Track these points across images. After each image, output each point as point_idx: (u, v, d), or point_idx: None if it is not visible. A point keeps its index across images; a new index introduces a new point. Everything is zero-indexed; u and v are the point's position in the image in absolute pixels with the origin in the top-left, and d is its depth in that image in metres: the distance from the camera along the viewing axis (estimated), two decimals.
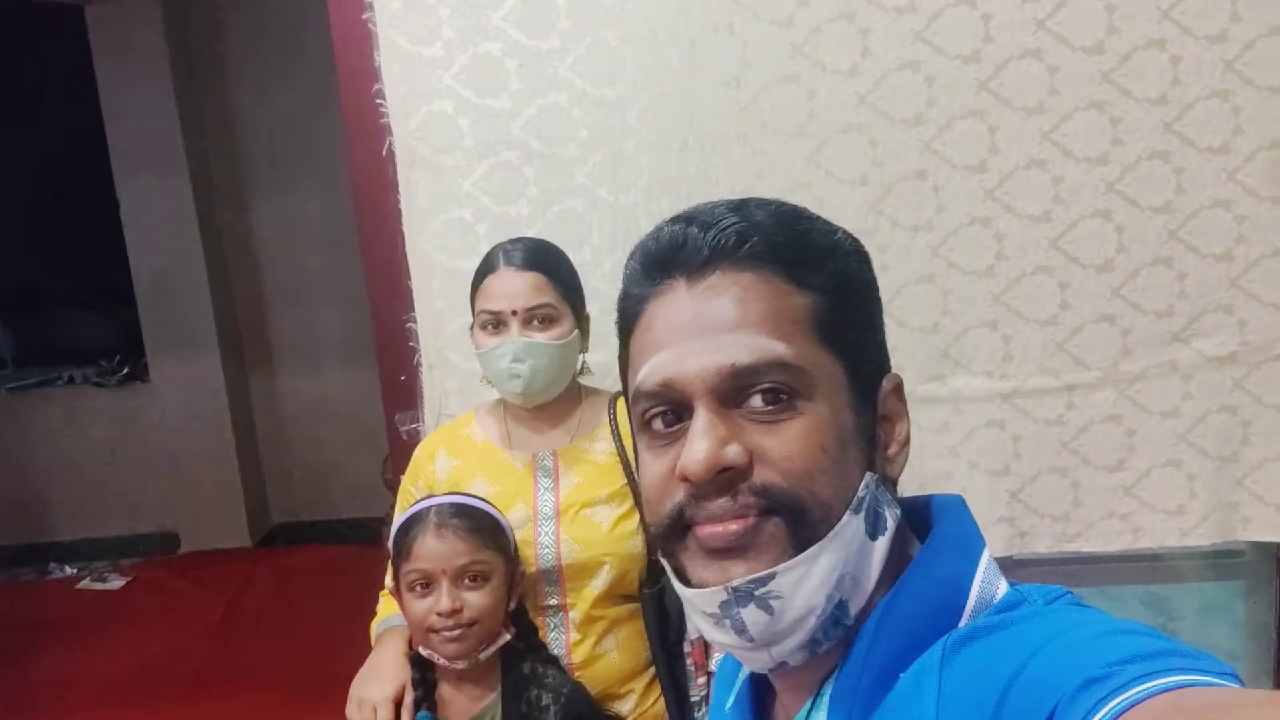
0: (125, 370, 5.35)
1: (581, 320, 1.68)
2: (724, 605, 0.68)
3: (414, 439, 2.04)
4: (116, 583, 5.08)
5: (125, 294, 5.17)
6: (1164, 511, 1.98)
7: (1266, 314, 1.90)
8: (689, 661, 1.66)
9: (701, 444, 0.67)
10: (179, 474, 5.24)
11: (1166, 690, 0.50)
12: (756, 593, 0.67)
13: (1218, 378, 1.92)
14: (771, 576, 0.67)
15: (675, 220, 0.73)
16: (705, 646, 1.67)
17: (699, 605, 0.70)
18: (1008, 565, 2.04)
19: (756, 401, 0.68)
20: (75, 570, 5.28)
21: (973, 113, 1.86)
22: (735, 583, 0.67)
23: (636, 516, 1.62)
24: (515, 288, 1.60)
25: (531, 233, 1.93)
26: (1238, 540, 2.01)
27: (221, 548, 5.25)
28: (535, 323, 1.60)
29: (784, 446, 0.68)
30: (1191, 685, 0.51)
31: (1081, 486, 1.98)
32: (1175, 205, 1.87)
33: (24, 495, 5.40)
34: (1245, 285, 1.89)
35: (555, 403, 1.67)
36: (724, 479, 0.68)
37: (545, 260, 1.64)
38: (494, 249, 1.65)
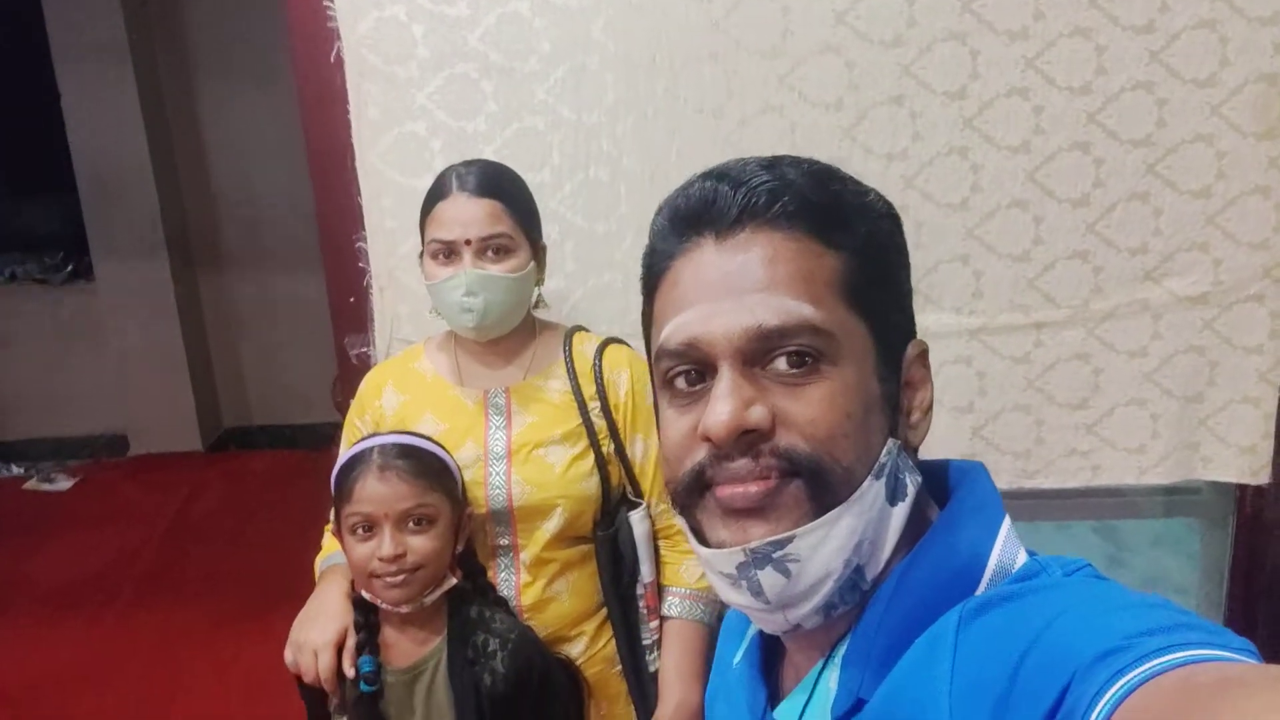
0: (69, 268, 5.19)
1: (538, 251, 1.60)
2: (741, 567, 0.68)
3: (364, 363, 1.97)
4: (64, 484, 5.00)
5: (70, 184, 4.97)
6: (1125, 450, 1.96)
7: (1242, 253, 1.86)
8: (641, 605, 1.63)
9: (725, 405, 0.66)
10: (127, 376, 5.13)
11: (1183, 664, 0.49)
12: (774, 555, 0.67)
13: (1188, 317, 1.89)
14: (790, 539, 0.67)
15: (706, 176, 0.72)
16: (658, 590, 1.64)
17: (716, 565, 0.70)
18: None
19: (782, 364, 0.67)
20: (22, 470, 5.20)
21: (954, 36, 1.77)
22: (753, 544, 0.67)
23: (591, 458, 1.57)
24: (469, 215, 1.51)
25: (489, 151, 1.84)
26: (1196, 479, 2.00)
27: (172, 451, 5.18)
28: (489, 253, 1.52)
29: (808, 410, 0.67)
30: (1209, 660, 0.50)
31: (1045, 424, 1.96)
32: (1156, 139, 1.81)
33: None
34: (1222, 223, 1.85)
35: (509, 337, 1.60)
36: (746, 440, 0.67)
37: (501, 186, 1.55)
38: (446, 172, 1.56)
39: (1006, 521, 0.71)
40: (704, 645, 1.59)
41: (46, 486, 5.00)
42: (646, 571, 1.61)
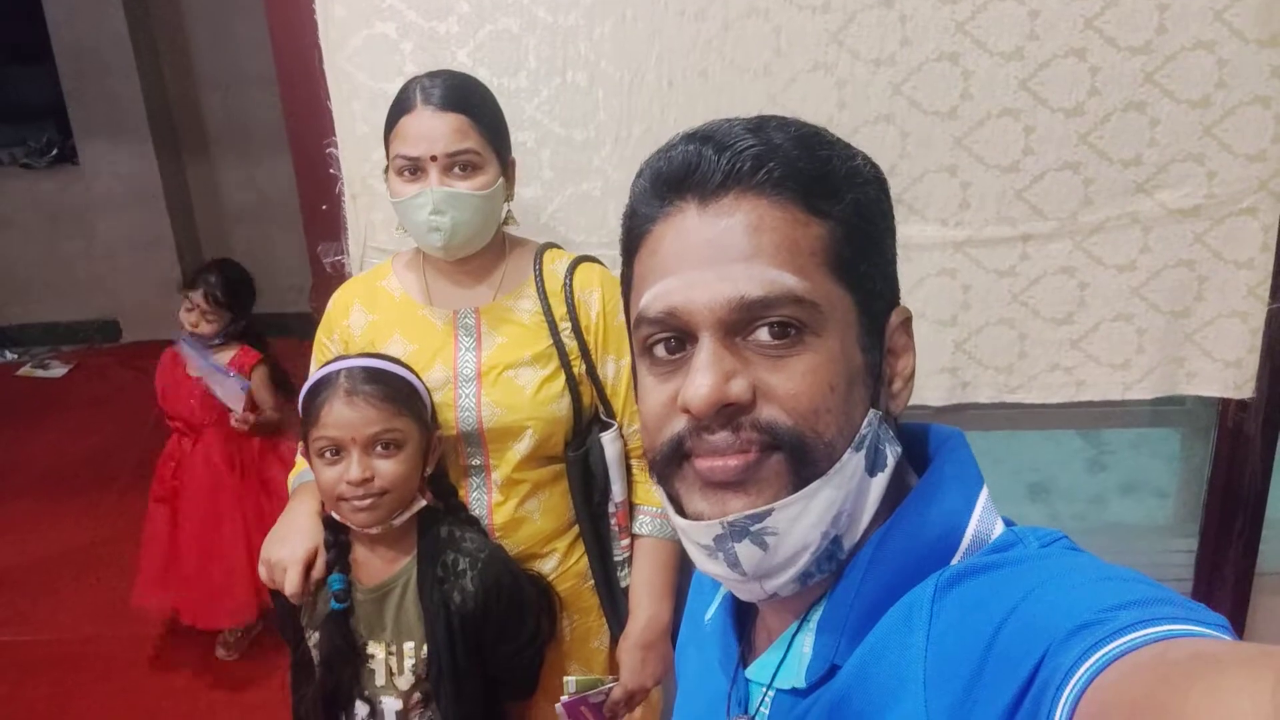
0: (54, 151, 5.09)
1: (507, 167, 1.55)
2: (718, 539, 0.67)
3: (339, 271, 1.94)
4: (58, 370, 5.02)
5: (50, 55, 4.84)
6: (1109, 365, 1.95)
7: (1238, 165, 1.80)
8: (613, 523, 1.63)
9: (705, 377, 0.65)
10: (117, 262, 5.10)
11: (1158, 640, 0.49)
12: (752, 528, 0.66)
13: (1178, 230, 1.85)
14: (769, 513, 0.66)
15: (689, 138, 0.69)
16: (629, 508, 1.64)
17: (692, 536, 0.70)
18: (946, 411, 2.02)
19: (764, 334, 0.66)
20: (16, 356, 5.21)
21: None
22: (731, 517, 0.66)
23: (562, 379, 1.56)
24: (435, 130, 1.46)
25: (462, 54, 1.77)
26: (1181, 394, 1.99)
27: (164, 338, 5.15)
28: (456, 170, 1.47)
29: (790, 383, 0.66)
30: (1183, 635, 0.50)
31: (1028, 338, 1.94)
32: (1155, 46, 1.73)
33: None
34: (1219, 134, 1.79)
35: (478, 256, 1.56)
36: (726, 413, 0.66)
37: (469, 99, 1.49)
38: (410, 84, 1.50)
39: (984, 491, 0.70)
40: (674, 562, 1.61)
41: (41, 372, 5.02)
42: (618, 491, 1.61)
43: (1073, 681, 0.49)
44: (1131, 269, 1.87)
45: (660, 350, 0.69)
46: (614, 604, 1.65)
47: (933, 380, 1.97)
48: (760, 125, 0.69)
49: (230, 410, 2.86)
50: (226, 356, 2.92)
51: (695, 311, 0.66)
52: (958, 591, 0.62)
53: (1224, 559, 2.12)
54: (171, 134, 5.01)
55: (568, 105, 1.80)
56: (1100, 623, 0.52)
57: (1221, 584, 2.13)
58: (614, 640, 1.66)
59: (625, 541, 1.64)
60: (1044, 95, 1.77)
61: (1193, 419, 2.19)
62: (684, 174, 0.67)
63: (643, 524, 1.63)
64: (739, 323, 0.66)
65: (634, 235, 0.72)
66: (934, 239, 1.88)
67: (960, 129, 1.80)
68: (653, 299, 0.68)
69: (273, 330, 5.27)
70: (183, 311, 2.88)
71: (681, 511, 0.70)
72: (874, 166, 0.73)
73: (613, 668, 1.67)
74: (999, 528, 0.69)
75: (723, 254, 0.66)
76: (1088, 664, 0.50)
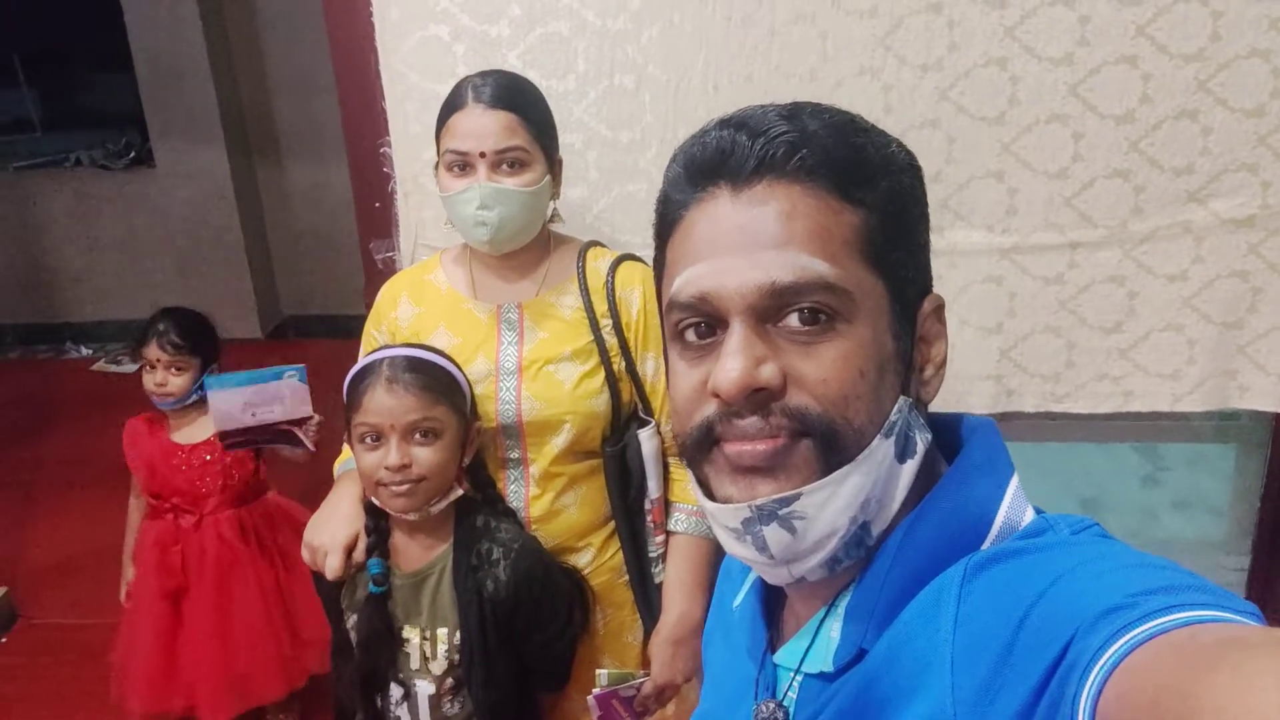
0: (131, 154, 5.26)
1: (554, 165, 1.58)
2: (746, 522, 0.68)
3: (389, 267, 1.99)
4: (130, 366, 5.17)
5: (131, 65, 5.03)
6: (1159, 375, 1.92)
7: None
8: (648, 519, 1.65)
9: (735, 362, 0.65)
10: (188, 262, 5.25)
11: (1187, 624, 0.49)
12: (780, 512, 0.67)
13: (1231, 241, 1.82)
14: (797, 497, 0.66)
15: (723, 124, 0.69)
16: (665, 505, 1.66)
17: (721, 520, 0.70)
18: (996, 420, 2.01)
19: (794, 320, 0.66)
20: (90, 351, 5.38)
21: None
22: (759, 501, 0.67)
23: (601, 375, 1.58)
24: (484, 127, 1.49)
25: (512, 57, 1.81)
26: (1231, 408, 1.95)
27: (232, 338, 5.28)
28: (504, 166, 1.51)
29: (821, 369, 0.66)
30: (1212, 621, 0.50)
31: (1076, 347, 1.92)
32: (1209, 53, 1.71)
33: (40, 276, 5.44)
34: (1274, 143, 1.76)
35: (523, 251, 1.60)
36: (756, 399, 0.66)
37: (518, 98, 1.53)
38: (462, 83, 1.53)
39: (1015, 479, 0.70)
40: (708, 560, 1.62)
41: (114, 368, 5.18)
42: (654, 487, 1.62)
43: (1100, 663, 0.50)
44: (1183, 279, 1.85)
45: (691, 335, 0.70)
46: (648, 599, 1.66)
47: (977, 387, 1.96)
48: (794, 112, 0.69)
49: (301, 423, 2.26)
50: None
51: (726, 297, 0.66)
52: (987, 576, 0.62)
53: (1276, 576, 2.07)
54: (243, 138, 5.16)
55: (615, 108, 1.83)
56: (1129, 606, 0.52)
57: (1273, 601, 2.08)
58: (647, 635, 1.67)
59: (660, 538, 1.66)
60: (1093, 101, 1.75)
61: (1248, 435, 2.15)
62: (717, 160, 0.68)
63: (678, 521, 1.64)
64: (770, 309, 0.66)
65: (667, 221, 0.73)
66: (980, 245, 1.87)
67: (1008, 135, 1.79)
68: (684, 284, 0.69)
69: (338, 333, 5.42)
70: (144, 378, 2.43)
71: (710, 495, 0.71)
72: (908, 154, 0.73)
73: (646, 663, 1.68)
74: (1029, 515, 0.69)
75: (755, 240, 0.66)
76: (1115, 646, 0.50)
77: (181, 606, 2.49)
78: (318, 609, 1.69)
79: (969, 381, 1.96)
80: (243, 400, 2.19)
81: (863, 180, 0.68)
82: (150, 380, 2.40)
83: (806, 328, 0.66)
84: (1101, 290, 1.87)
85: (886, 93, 1.78)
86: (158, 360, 2.38)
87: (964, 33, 1.74)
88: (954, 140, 1.80)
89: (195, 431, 2.47)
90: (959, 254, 1.87)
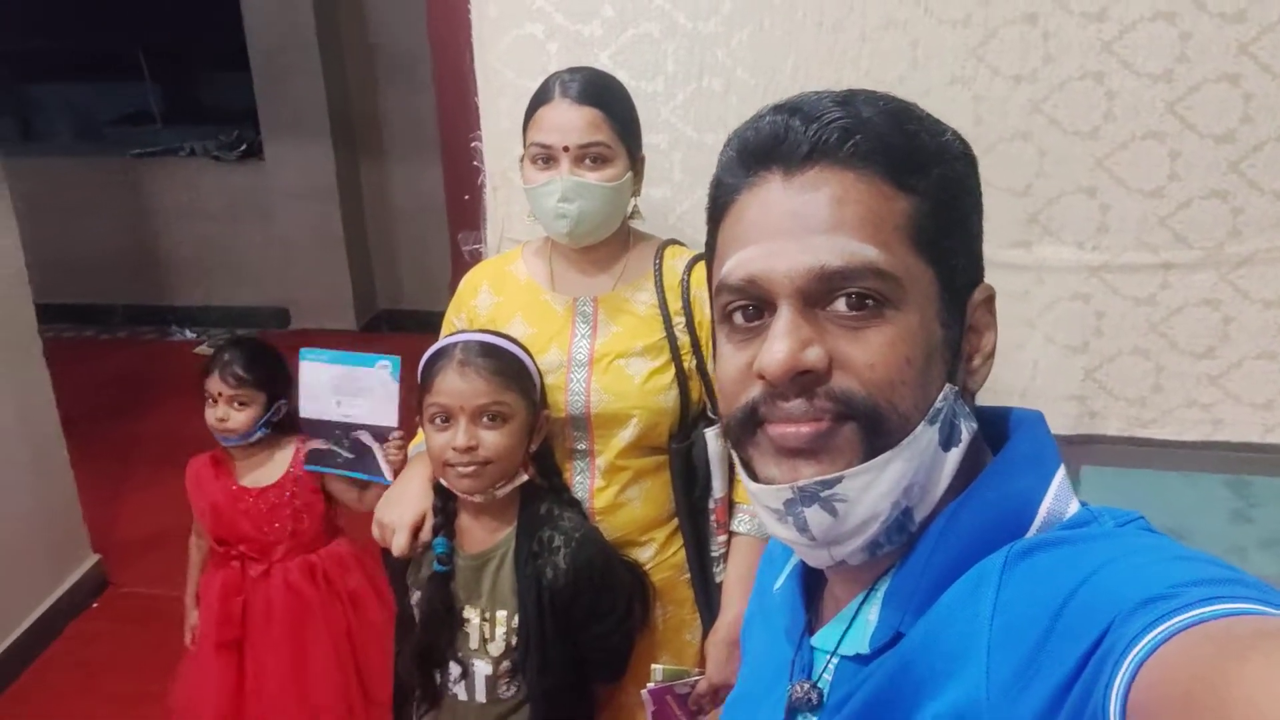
0: (243, 147, 5.46)
1: (636, 162, 1.60)
2: (788, 503, 0.68)
3: (476, 259, 2.03)
4: None
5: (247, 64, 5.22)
6: (1250, 405, 1.86)
7: None
8: (712, 518, 1.65)
9: (782, 344, 0.66)
10: (290, 253, 5.41)
11: (1225, 615, 0.49)
12: (822, 494, 0.67)
13: None
14: (839, 479, 0.67)
15: (778, 109, 0.70)
16: (729, 505, 1.66)
17: (763, 500, 0.71)
18: (1076, 442, 1.96)
19: (842, 305, 0.66)
20: (194, 334, 5.58)
21: None
22: (801, 482, 0.67)
23: (671, 372, 1.59)
24: (569, 122, 1.52)
25: (604, 56, 1.83)
26: None
27: (328, 328, 5.45)
28: (587, 161, 1.53)
29: (868, 354, 0.66)
30: (1251, 614, 0.49)
31: (1164, 371, 1.86)
32: None
33: (149, 259, 5.67)
34: None
35: (602, 246, 1.62)
36: (801, 381, 0.66)
37: (604, 95, 1.55)
38: (550, 78, 1.57)
39: (1061, 470, 0.70)
40: None
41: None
42: (718, 487, 1.63)
43: (1135, 651, 0.49)
44: None
45: (739, 318, 0.70)
46: (708, 598, 1.67)
47: (1059, 407, 1.92)
48: (849, 98, 0.69)
49: (384, 437, 2.06)
50: (285, 456, 2.26)
51: (775, 280, 0.67)
52: (1028, 564, 0.62)
53: None
54: (349, 134, 5.30)
55: (701, 110, 1.84)
56: (1168, 597, 0.51)
57: None
58: (705, 634, 1.67)
59: (723, 538, 1.66)
60: (1192, 120, 1.71)
61: None
62: (771, 145, 0.68)
63: (741, 522, 1.64)
64: (818, 293, 0.66)
65: (719, 204, 0.73)
66: (1069, 262, 1.83)
67: (1102, 150, 1.76)
68: (734, 266, 0.69)
69: (430, 328, 5.52)
70: (206, 413, 2.24)
71: (754, 476, 0.71)
72: (963, 143, 0.73)
73: (702, 661, 1.68)
74: (1074, 506, 0.68)
75: (805, 225, 0.67)
76: (1150, 636, 0.49)
77: (245, 657, 2.33)
78: (387, 668, 1.68)
79: (1050, 401, 1.91)
80: (331, 381, 2.06)
81: (916, 167, 0.68)
82: (212, 415, 2.22)
83: (854, 313, 0.66)
84: (1195, 313, 1.82)
85: (977, 103, 1.76)
86: (220, 394, 2.19)
87: (1059, 45, 1.71)
88: (1045, 154, 1.77)
89: (264, 474, 2.28)
90: (1047, 270, 1.84)
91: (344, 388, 2.07)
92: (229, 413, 2.19)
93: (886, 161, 0.67)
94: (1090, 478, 2.07)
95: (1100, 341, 1.87)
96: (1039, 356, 1.89)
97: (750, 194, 0.70)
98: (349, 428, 2.07)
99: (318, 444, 2.13)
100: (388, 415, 2.03)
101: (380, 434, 2.04)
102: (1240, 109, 1.69)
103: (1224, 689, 0.43)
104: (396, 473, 1.92)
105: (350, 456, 2.10)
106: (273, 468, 2.27)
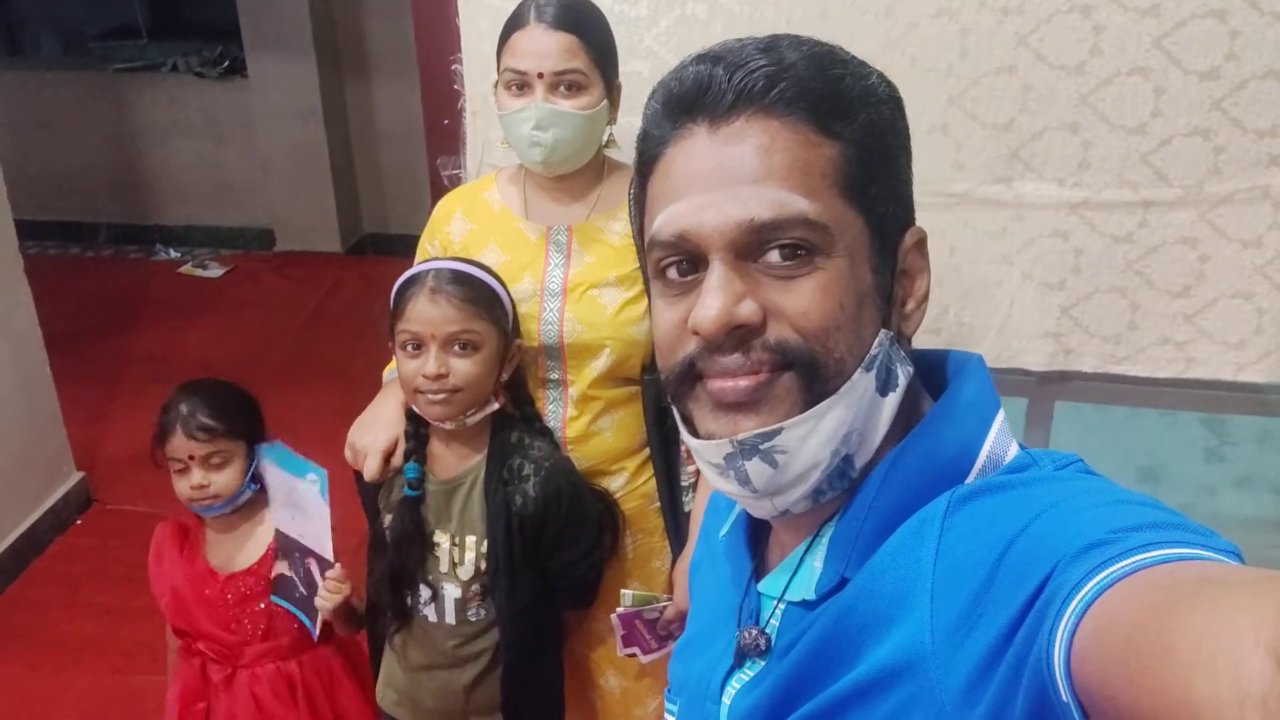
0: (226, 63, 5.36)
1: (612, 90, 1.58)
2: (729, 458, 0.69)
3: (455, 184, 2.01)
4: (216, 271, 5.32)
5: None
6: (1223, 344, 1.86)
7: None
8: (682, 449, 1.66)
9: (715, 300, 0.66)
10: (275, 174, 5.34)
11: (1167, 561, 0.49)
12: (762, 446, 0.67)
13: None
14: (778, 431, 0.67)
15: (700, 59, 0.69)
16: None
17: (704, 455, 0.71)
18: (1050, 379, 1.97)
19: (774, 256, 0.66)
20: (179, 254, 5.54)
21: None
22: (741, 436, 0.67)
23: (644, 303, 1.59)
24: (544, 48, 1.50)
25: None
26: None
27: (314, 250, 5.42)
28: (562, 89, 1.51)
29: (800, 302, 0.66)
30: (1193, 559, 0.50)
31: (1140, 309, 1.87)
32: None
33: (132, 178, 5.59)
34: None
35: (577, 174, 1.61)
36: (737, 335, 0.67)
37: (580, 20, 1.52)
38: (526, 1, 1.54)
39: (1000, 414, 0.71)
40: None
41: (200, 272, 5.33)
42: None
43: (1078, 597, 0.50)
44: (1258, 245, 1.79)
45: (672, 273, 0.70)
46: (677, 527, 1.69)
47: (1034, 344, 1.92)
48: (773, 44, 0.68)
49: (322, 567, 1.71)
50: (267, 532, 1.84)
51: (705, 235, 0.67)
52: (970, 508, 0.63)
53: None
54: (334, 54, 5.21)
55: (684, 37, 1.81)
56: (1110, 542, 0.52)
57: None
58: (674, 562, 1.70)
59: (692, 468, 1.68)
60: (1178, 56, 1.69)
61: None
62: (695, 95, 0.67)
63: None
64: (749, 245, 0.66)
65: (646, 158, 0.72)
66: (1048, 199, 1.82)
67: (1086, 85, 1.74)
68: (664, 222, 0.69)
69: (414, 252, 5.50)
70: (175, 482, 1.77)
71: (694, 432, 0.71)
72: (889, 85, 0.72)
73: (672, 587, 1.71)
74: (1013, 450, 0.69)
75: (733, 176, 0.66)
76: (1094, 581, 0.50)
77: None
78: None
79: (1027, 339, 1.92)
80: (282, 488, 1.76)
81: (841, 112, 0.67)
82: (184, 485, 1.75)
83: (786, 263, 0.66)
84: (1172, 252, 1.82)
85: (964, 36, 1.73)
86: (190, 456, 1.72)
87: None
88: (1030, 88, 1.75)
89: (240, 552, 1.84)
90: (1026, 206, 1.83)
91: (289, 499, 1.78)
92: (207, 477, 1.74)
93: (811, 108, 0.66)
94: (1064, 414, 2.09)
95: (1077, 279, 1.87)
96: (1016, 293, 1.88)
97: (676, 147, 0.69)
98: (305, 551, 1.75)
99: (283, 569, 1.80)
100: (323, 543, 1.70)
101: (323, 565, 1.72)
102: (1226, 45, 1.67)
103: (1168, 636, 0.44)
104: (326, 624, 1.74)
105: (305, 592, 1.77)
106: (252, 545, 1.84)
